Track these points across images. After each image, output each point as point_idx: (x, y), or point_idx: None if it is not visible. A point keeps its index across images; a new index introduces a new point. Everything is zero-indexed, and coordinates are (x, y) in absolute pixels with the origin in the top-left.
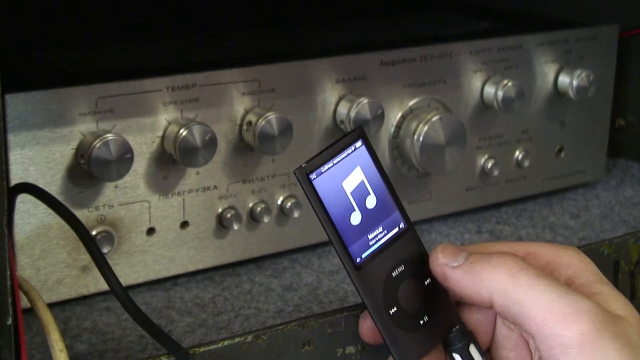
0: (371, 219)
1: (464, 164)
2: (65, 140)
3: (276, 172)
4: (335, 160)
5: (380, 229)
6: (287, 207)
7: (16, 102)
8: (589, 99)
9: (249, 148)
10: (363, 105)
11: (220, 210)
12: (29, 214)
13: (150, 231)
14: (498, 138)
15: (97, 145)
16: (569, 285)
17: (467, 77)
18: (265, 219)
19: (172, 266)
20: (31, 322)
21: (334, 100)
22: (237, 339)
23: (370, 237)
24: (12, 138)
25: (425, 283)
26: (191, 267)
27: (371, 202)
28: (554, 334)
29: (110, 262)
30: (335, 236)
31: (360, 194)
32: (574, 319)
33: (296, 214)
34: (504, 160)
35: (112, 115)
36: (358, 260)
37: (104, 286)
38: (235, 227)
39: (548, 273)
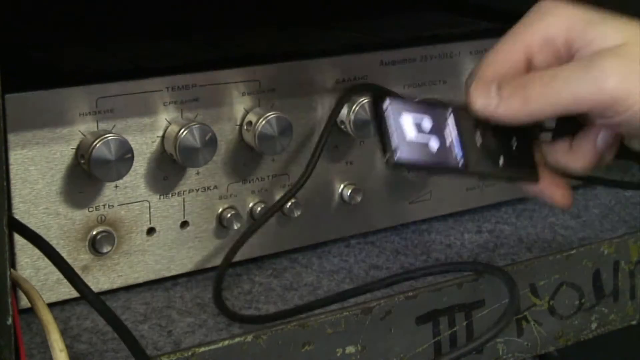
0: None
1: None
2: (65, 140)
3: (276, 172)
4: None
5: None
6: (287, 207)
7: (16, 102)
8: None
9: (249, 148)
10: (363, 105)
11: (220, 210)
12: (29, 214)
13: (150, 231)
14: None
15: (97, 145)
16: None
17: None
18: None
19: (172, 266)
20: (31, 322)
21: (334, 100)
22: (237, 339)
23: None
24: (12, 138)
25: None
26: (191, 267)
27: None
28: None
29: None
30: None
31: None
32: None
33: (296, 214)
34: None
35: (112, 115)
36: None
37: (104, 286)
38: (235, 227)
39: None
